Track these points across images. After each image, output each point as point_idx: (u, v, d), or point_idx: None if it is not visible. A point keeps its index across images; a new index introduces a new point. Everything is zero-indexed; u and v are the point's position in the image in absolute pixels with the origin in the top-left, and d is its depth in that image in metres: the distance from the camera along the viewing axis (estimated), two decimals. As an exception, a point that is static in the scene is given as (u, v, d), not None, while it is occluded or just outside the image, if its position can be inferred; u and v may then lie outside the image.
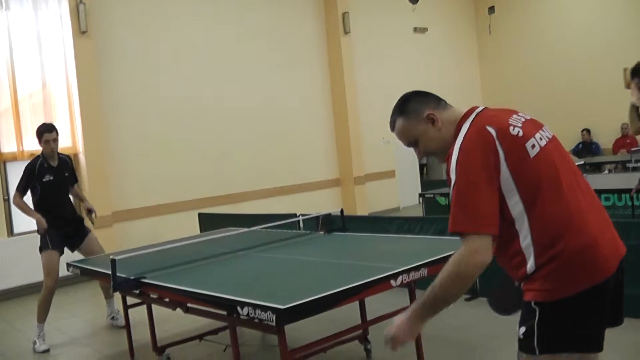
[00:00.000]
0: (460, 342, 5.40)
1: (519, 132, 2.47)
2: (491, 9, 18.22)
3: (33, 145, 9.81)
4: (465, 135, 2.51)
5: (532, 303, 2.45)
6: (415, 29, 16.77)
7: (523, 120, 2.57)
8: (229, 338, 4.05)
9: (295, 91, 13.72)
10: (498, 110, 2.69)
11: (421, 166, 17.32)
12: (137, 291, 4.62)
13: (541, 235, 2.41)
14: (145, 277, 4.43)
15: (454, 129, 2.63)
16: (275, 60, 13.33)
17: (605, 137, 15.79)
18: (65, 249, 6.91)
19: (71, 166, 7.07)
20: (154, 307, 5.31)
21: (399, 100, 2.82)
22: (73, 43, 10.09)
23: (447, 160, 2.52)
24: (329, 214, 6.36)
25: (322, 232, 5.96)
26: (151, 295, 4.82)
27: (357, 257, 4.85)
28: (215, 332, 5.59)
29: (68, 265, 5.85)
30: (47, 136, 6.66)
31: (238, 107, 12.47)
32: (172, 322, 6.31)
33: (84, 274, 5.74)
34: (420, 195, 11.36)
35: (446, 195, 10.42)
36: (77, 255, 6.94)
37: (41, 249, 6.65)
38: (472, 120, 2.59)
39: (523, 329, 2.49)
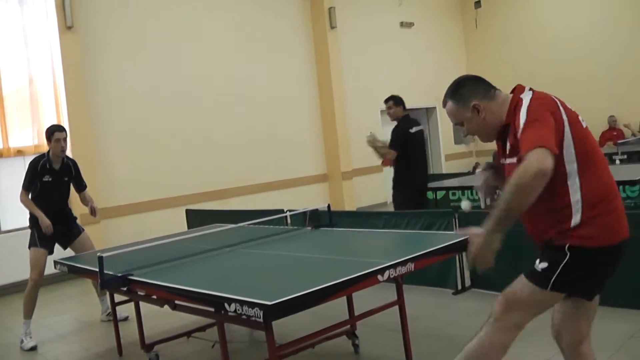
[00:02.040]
0: (447, 336, 5.42)
1: (571, 107, 2.92)
2: (477, 3, 18.24)
3: (19, 142, 9.80)
4: (532, 97, 2.85)
5: (567, 247, 2.79)
6: (401, 24, 16.78)
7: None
8: (217, 335, 4.05)
9: (282, 86, 13.71)
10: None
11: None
12: (125, 288, 4.60)
13: (589, 194, 2.79)
14: (132, 275, 4.42)
15: (505, 109, 2.96)
16: (261, 55, 13.32)
17: (592, 129, 15.73)
18: (58, 246, 7.01)
19: (75, 172, 7.11)
20: (141, 304, 5.30)
21: (454, 83, 3.11)
22: (59, 38, 10.05)
23: (517, 108, 2.84)
24: (317, 209, 6.37)
25: (309, 228, 5.96)
26: (139, 293, 4.80)
27: (344, 252, 4.86)
28: (203, 329, 5.59)
29: (55, 262, 5.83)
30: (58, 135, 6.74)
31: (225, 103, 12.45)
32: (160, 319, 6.30)
33: (71, 272, 5.73)
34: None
35: (433, 189, 10.45)
36: (69, 253, 6.95)
37: (30, 246, 6.76)
38: (534, 92, 2.91)
39: (545, 264, 2.85)
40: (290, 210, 7.11)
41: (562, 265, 2.79)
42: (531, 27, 17.07)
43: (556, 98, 2.91)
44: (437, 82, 17.46)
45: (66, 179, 6.97)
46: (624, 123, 15.51)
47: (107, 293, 6.79)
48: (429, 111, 17.80)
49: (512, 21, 17.45)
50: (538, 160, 2.54)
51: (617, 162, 11.52)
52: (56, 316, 7.69)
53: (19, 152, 9.74)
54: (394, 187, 8.15)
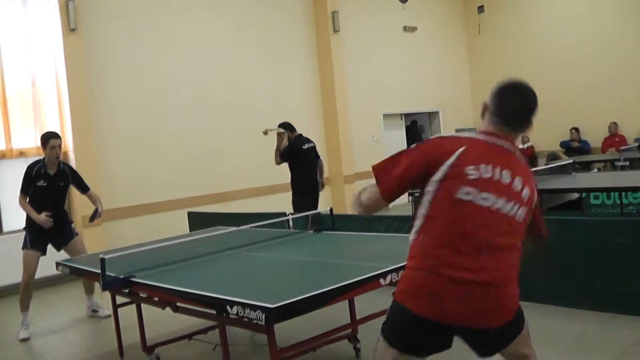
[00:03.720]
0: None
1: (473, 175, 2.63)
2: (480, 8, 18.24)
3: (22, 144, 9.81)
4: (451, 135, 2.90)
5: (393, 296, 2.80)
6: (404, 28, 16.79)
7: (501, 180, 2.67)
8: (219, 337, 4.05)
9: (284, 89, 13.72)
10: (503, 157, 2.75)
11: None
12: (127, 290, 4.61)
13: (417, 246, 2.74)
14: (134, 276, 4.43)
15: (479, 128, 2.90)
16: (264, 58, 13.33)
17: (594, 136, 15.85)
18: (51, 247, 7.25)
19: (72, 177, 7.27)
20: (143, 306, 5.30)
21: (512, 83, 2.87)
22: (62, 40, 10.06)
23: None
24: (319, 212, 6.37)
25: (311, 231, 5.98)
26: (140, 295, 4.81)
27: (347, 256, 4.86)
28: (204, 331, 5.59)
29: (57, 264, 5.84)
30: (53, 142, 6.95)
31: (228, 105, 12.46)
32: (162, 321, 6.30)
33: (73, 273, 5.73)
34: (409, 194, 11.37)
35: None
36: (63, 255, 7.06)
37: (22, 247, 7.04)
38: (476, 137, 2.82)
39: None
40: (292, 214, 7.11)
41: (389, 309, 2.84)
42: (534, 33, 17.06)
43: (475, 158, 2.67)
44: (440, 87, 17.56)
45: (62, 184, 7.14)
46: None
47: (93, 293, 7.43)
48: (432, 115, 17.81)
49: (515, 26, 17.43)
50: (369, 198, 2.93)
51: (619, 168, 11.52)
52: (57, 317, 7.69)
53: (22, 154, 9.75)
54: (293, 193, 9.34)
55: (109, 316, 7.06)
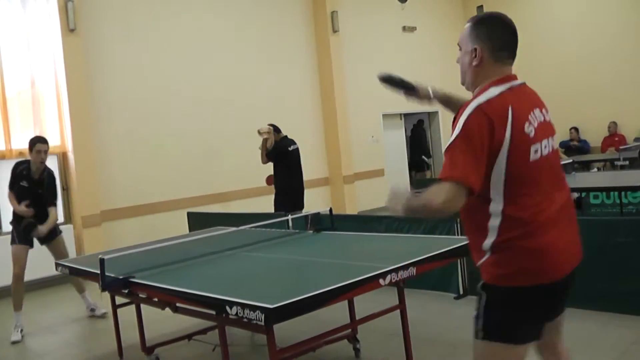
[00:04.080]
0: (448, 341, 5.41)
1: (531, 131, 2.55)
2: (480, 8, 18.23)
3: (21, 144, 9.79)
4: (490, 99, 2.56)
5: (481, 285, 2.62)
6: (404, 28, 16.78)
7: (541, 120, 2.64)
8: (218, 338, 4.04)
9: (284, 89, 13.71)
10: (529, 95, 2.73)
11: (410, 164, 17.33)
12: (126, 291, 4.60)
13: (507, 223, 2.53)
14: (134, 277, 4.42)
15: (484, 84, 2.68)
16: (264, 58, 13.32)
17: (594, 136, 15.86)
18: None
19: (50, 186, 7.30)
20: (142, 306, 5.30)
21: (490, 14, 2.80)
22: (61, 41, 10.05)
23: (461, 109, 2.60)
24: (318, 213, 6.36)
25: (311, 231, 5.97)
26: (140, 295, 4.81)
27: (346, 256, 4.85)
28: (204, 331, 5.59)
29: (57, 264, 5.85)
30: (39, 146, 7.10)
31: (227, 105, 12.45)
32: (161, 321, 6.29)
33: (72, 274, 5.73)
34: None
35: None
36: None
37: (11, 242, 7.20)
38: (503, 91, 2.61)
39: (474, 312, 2.65)
40: (292, 214, 7.10)
41: (482, 309, 2.61)
42: (533, 33, 17.05)
43: (520, 111, 2.56)
44: (439, 87, 17.53)
45: (40, 191, 7.20)
46: None
47: (86, 290, 7.50)
48: (431, 115, 17.80)
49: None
50: (446, 199, 2.43)
51: (619, 167, 11.53)
52: (56, 318, 7.68)
53: (21, 154, 9.72)
54: (277, 193, 9.60)
55: (105, 314, 7.25)
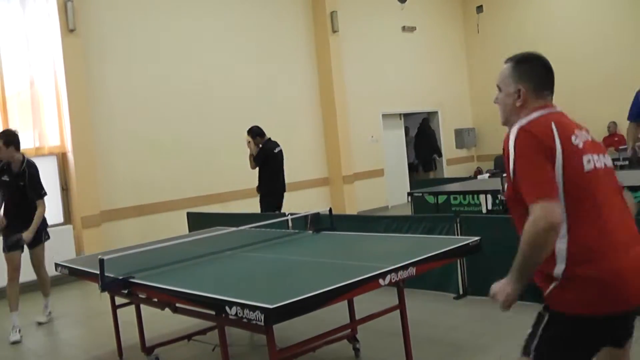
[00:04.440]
0: (447, 341, 5.41)
1: (579, 143, 2.57)
2: (479, 8, 18.24)
3: (21, 144, 9.77)
4: (530, 120, 2.61)
5: (543, 308, 2.56)
6: (403, 28, 16.78)
7: (587, 139, 2.65)
8: (218, 338, 4.04)
9: (283, 89, 13.71)
10: (568, 119, 2.75)
11: (410, 165, 17.34)
12: (126, 291, 4.60)
13: (575, 247, 2.46)
14: (133, 277, 4.42)
15: (526, 113, 2.69)
16: (263, 59, 13.32)
17: (593, 135, 15.78)
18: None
19: (31, 177, 7.18)
20: (142, 307, 5.30)
21: (526, 54, 2.86)
22: (61, 41, 10.04)
23: (506, 139, 2.61)
24: (318, 213, 6.36)
25: (310, 232, 5.97)
26: (140, 295, 4.81)
27: (346, 256, 4.85)
28: (203, 332, 5.59)
29: (56, 265, 5.83)
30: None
31: (226, 105, 12.44)
32: (161, 322, 6.29)
33: (72, 274, 5.72)
34: (408, 194, 11.39)
35: (434, 194, 10.45)
36: (62, 256, 7.07)
37: (2, 250, 7.20)
38: (543, 114, 2.66)
39: (529, 330, 2.59)
40: (291, 214, 7.10)
41: (540, 329, 2.56)
42: (532, 33, 17.05)
43: (564, 126, 2.61)
44: (439, 87, 17.57)
45: (21, 183, 7.13)
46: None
47: (49, 295, 7.49)
48: (431, 115, 17.80)
49: (513, 27, 17.41)
50: (544, 215, 2.35)
51: (618, 167, 11.53)
52: (56, 319, 7.67)
53: (20, 154, 9.73)
54: (264, 195, 9.81)
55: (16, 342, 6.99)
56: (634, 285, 2.45)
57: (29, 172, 7.14)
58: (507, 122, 2.78)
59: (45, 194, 7.28)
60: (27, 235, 6.98)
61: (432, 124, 17.74)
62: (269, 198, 9.71)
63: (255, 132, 9.69)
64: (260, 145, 9.65)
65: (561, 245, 2.46)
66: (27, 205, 7.13)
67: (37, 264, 7.33)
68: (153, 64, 11.46)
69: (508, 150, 2.57)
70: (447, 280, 6.73)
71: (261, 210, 9.66)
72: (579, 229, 2.46)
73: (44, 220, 7.28)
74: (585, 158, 2.54)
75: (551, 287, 2.53)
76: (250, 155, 9.64)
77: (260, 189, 9.79)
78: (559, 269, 2.48)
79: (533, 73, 2.75)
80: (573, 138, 2.56)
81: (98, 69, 10.70)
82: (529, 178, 2.46)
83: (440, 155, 17.26)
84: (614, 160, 11.92)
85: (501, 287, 2.57)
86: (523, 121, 2.60)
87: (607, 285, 2.41)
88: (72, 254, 9.43)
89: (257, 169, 9.73)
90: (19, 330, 6.88)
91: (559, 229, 2.39)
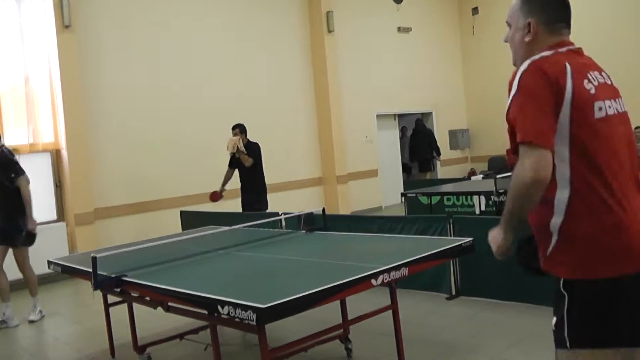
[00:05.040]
0: (440, 341, 5.42)
1: (592, 88, 2.36)
2: (475, 10, 18.27)
3: (14, 141, 9.77)
4: (543, 56, 2.39)
5: (561, 286, 2.31)
6: (399, 29, 16.80)
7: (601, 81, 2.45)
8: (210, 337, 4.04)
9: (278, 89, 13.71)
10: (586, 59, 2.57)
11: (404, 166, 17.34)
12: (118, 290, 4.60)
13: (577, 199, 2.28)
14: (126, 276, 4.41)
15: (542, 49, 2.48)
16: (258, 58, 13.32)
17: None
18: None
19: (4, 163, 7.23)
20: (135, 305, 5.30)
21: None
22: (56, 37, 10.03)
23: (514, 74, 2.39)
24: (311, 213, 6.37)
25: (303, 231, 5.97)
26: (132, 294, 4.81)
27: (339, 256, 4.86)
28: (196, 331, 5.58)
29: (49, 262, 5.82)
30: None
31: (221, 105, 12.43)
32: (153, 321, 6.29)
33: (64, 272, 5.71)
34: (402, 194, 11.40)
35: (428, 195, 10.46)
36: (54, 253, 7.07)
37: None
38: (557, 52, 2.46)
39: (554, 319, 2.35)
40: (284, 213, 7.10)
41: (565, 313, 2.29)
42: (528, 34, 17.09)
43: (579, 68, 2.39)
44: (434, 87, 17.59)
45: None
46: None
47: (37, 294, 7.44)
48: (425, 116, 17.81)
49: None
50: (532, 168, 2.18)
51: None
52: (48, 317, 7.65)
53: (15, 151, 9.63)
54: (260, 193, 9.73)
55: (17, 326, 7.17)
56: (631, 248, 2.25)
57: (2, 158, 7.20)
58: (517, 62, 2.56)
59: (18, 174, 7.21)
60: (31, 224, 7.09)
61: (426, 124, 17.75)
62: (262, 195, 9.70)
63: (244, 129, 9.79)
64: (245, 142, 9.73)
65: (561, 196, 2.30)
66: (9, 204, 7.16)
67: (21, 261, 7.31)
68: (148, 62, 11.45)
69: (511, 83, 2.38)
70: (440, 280, 6.73)
71: (261, 209, 9.54)
72: (583, 180, 2.27)
73: (24, 213, 7.20)
74: (597, 105, 2.33)
75: (550, 247, 2.35)
76: (241, 151, 9.57)
77: (258, 186, 9.69)
78: (556, 221, 2.31)
79: (545, 4, 2.54)
80: (585, 82, 2.35)
81: (93, 65, 10.68)
82: (528, 117, 2.27)
83: (439, 153, 17.21)
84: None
85: (494, 235, 2.51)
86: (535, 57, 2.38)
87: (611, 242, 2.23)
88: (65, 251, 9.42)
89: (243, 169, 9.71)
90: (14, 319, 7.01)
91: (546, 183, 2.21)
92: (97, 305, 7.05)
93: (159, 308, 4.50)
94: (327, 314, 4.75)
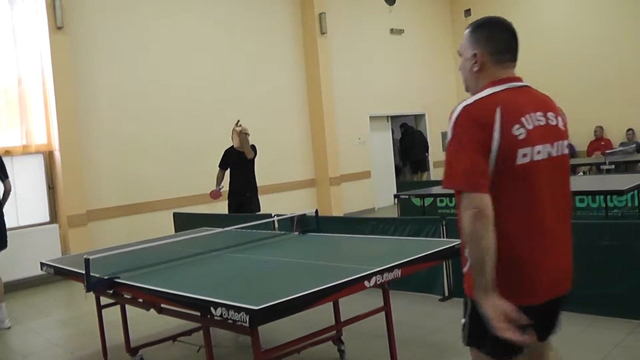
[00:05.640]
0: (432, 343, 5.42)
1: (521, 134, 2.43)
2: (467, 12, 18.31)
3: (7, 142, 9.76)
4: (477, 100, 2.49)
5: (466, 296, 2.57)
6: (391, 31, 16.82)
7: (541, 123, 2.52)
8: (203, 339, 4.04)
9: (271, 91, 13.72)
10: (532, 97, 2.64)
11: (397, 168, 17.36)
12: (111, 291, 4.59)
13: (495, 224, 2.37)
14: (119, 277, 4.40)
15: (483, 85, 2.59)
16: (251, 59, 13.33)
17: (580, 140, 15.94)
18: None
19: None
20: (127, 307, 5.29)
21: (486, 19, 2.74)
22: (49, 39, 10.02)
23: (450, 115, 2.48)
24: (304, 214, 6.36)
25: (296, 233, 5.97)
26: (125, 296, 4.79)
27: (332, 258, 4.85)
28: (188, 333, 5.58)
29: (42, 264, 5.81)
30: None
31: (214, 106, 12.44)
32: (146, 322, 6.28)
33: (57, 274, 5.70)
34: (395, 196, 11.39)
35: (421, 196, 10.47)
36: (47, 255, 7.04)
37: None
38: (497, 92, 2.53)
39: (462, 320, 2.62)
40: (277, 215, 7.10)
41: (467, 317, 2.58)
42: (521, 37, 17.04)
43: (511, 111, 2.45)
44: (426, 89, 17.61)
45: None
46: None
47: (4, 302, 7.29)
48: (418, 118, 17.85)
49: (501, 30, 17.47)
50: (474, 206, 2.32)
51: (605, 171, 11.59)
52: (41, 319, 7.64)
53: (7, 152, 9.69)
54: (255, 194, 9.64)
55: (9, 328, 7.17)
56: (540, 280, 2.47)
57: None
58: (469, 90, 2.69)
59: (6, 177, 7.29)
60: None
61: (419, 126, 17.78)
62: (256, 196, 9.67)
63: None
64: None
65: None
66: None
67: None
68: (141, 63, 11.45)
69: (449, 124, 2.48)
70: (433, 282, 6.74)
71: (255, 210, 9.53)
72: (496, 220, 2.34)
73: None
74: (521, 152, 2.41)
75: (465, 267, 2.52)
76: (246, 144, 9.32)
77: (253, 187, 9.63)
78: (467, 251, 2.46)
79: (490, 37, 2.64)
80: (515, 127, 2.42)
81: (86, 67, 10.68)
82: (460, 165, 2.38)
83: (427, 151, 17.21)
84: (600, 164, 12.02)
85: (486, 315, 2.37)
86: (470, 99, 2.49)
87: (513, 275, 2.43)
88: (57, 253, 9.41)
89: (238, 169, 9.66)
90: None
91: (491, 216, 2.32)
92: (89, 307, 7.04)
93: (152, 310, 4.49)
94: (320, 316, 4.75)
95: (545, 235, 2.48)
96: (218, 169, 9.82)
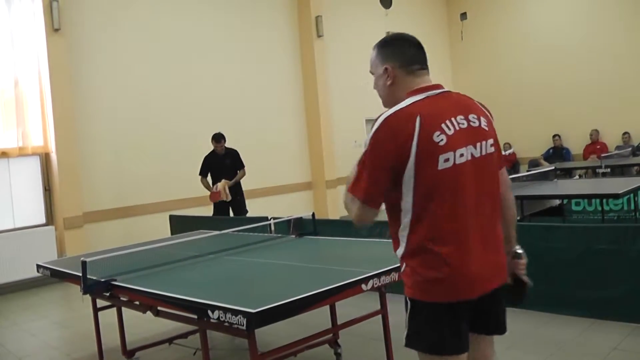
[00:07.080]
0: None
1: (442, 140, 2.48)
2: (463, 15, 18.34)
3: (3, 144, 9.75)
4: (397, 110, 2.56)
5: (406, 297, 2.65)
6: (388, 34, 16.77)
7: (462, 126, 2.57)
8: (199, 342, 4.03)
9: (268, 94, 13.72)
10: (452, 102, 2.69)
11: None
12: (108, 294, 4.58)
13: (415, 239, 2.52)
14: (115, 280, 4.40)
15: (404, 95, 2.67)
16: (247, 62, 13.33)
17: (576, 143, 15.98)
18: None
19: None
20: (124, 310, 5.28)
21: (389, 36, 2.92)
22: (46, 40, 10.01)
23: (373, 124, 2.59)
24: (301, 217, 6.37)
25: (293, 236, 5.96)
26: (121, 298, 4.78)
27: (328, 261, 4.85)
28: (185, 335, 5.57)
29: (38, 266, 5.80)
30: None
31: (211, 109, 12.44)
32: (142, 325, 6.27)
33: (53, 276, 5.69)
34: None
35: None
36: (43, 257, 7.00)
37: None
38: (416, 101, 2.61)
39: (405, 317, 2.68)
40: (274, 218, 7.10)
41: (407, 318, 2.67)
42: (516, 40, 17.16)
43: (431, 120, 2.51)
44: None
45: None
46: None
47: None
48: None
49: (497, 34, 17.53)
50: (358, 218, 2.59)
51: (600, 175, 11.60)
52: (36, 321, 7.63)
53: (4, 154, 9.69)
54: (237, 196, 10.27)
55: None
56: (467, 275, 2.50)
57: None
58: (387, 105, 2.77)
59: None
60: None
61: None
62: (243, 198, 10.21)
63: (225, 139, 10.53)
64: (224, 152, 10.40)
65: (403, 233, 2.56)
66: None
67: None
68: (138, 65, 11.44)
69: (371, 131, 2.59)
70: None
71: (244, 213, 9.70)
72: (421, 222, 2.50)
73: None
74: (442, 157, 2.47)
75: (402, 269, 2.64)
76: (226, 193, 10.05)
77: (240, 191, 10.17)
78: (400, 251, 2.60)
79: (397, 51, 2.78)
80: (436, 134, 2.48)
81: (83, 69, 10.66)
82: (364, 179, 2.54)
83: None
84: (596, 168, 12.02)
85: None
86: (390, 110, 2.57)
87: (444, 273, 2.48)
88: (54, 255, 9.40)
89: (226, 175, 10.12)
90: None
91: (368, 224, 2.62)
92: (86, 309, 7.04)
93: (149, 312, 4.49)
94: (317, 319, 4.76)
95: (471, 233, 2.52)
96: (199, 176, 10.30)
